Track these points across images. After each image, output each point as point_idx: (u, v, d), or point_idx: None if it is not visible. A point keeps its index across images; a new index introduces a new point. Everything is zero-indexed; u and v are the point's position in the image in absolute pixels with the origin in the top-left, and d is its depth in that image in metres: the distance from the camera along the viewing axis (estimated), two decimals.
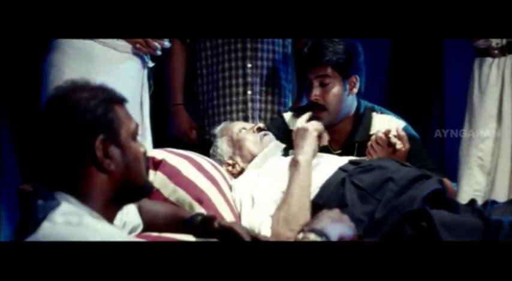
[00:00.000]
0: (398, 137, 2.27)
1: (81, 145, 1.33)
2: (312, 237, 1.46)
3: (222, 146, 2.43)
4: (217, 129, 2.53)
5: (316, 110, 2.48)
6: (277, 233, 1.96)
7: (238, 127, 2.46)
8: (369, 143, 2.33)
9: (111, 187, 1.36)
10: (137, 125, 1.44)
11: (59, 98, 1.37)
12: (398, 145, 2.25)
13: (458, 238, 1.78)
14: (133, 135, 1.42)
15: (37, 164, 1.37)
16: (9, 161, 2.99)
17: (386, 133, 2.26)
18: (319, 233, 1.47)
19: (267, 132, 2.47)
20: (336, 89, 2.48)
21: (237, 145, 2.40)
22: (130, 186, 1.39)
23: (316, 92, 2.47)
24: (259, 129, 2.44)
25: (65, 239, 1.24)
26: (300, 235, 1.49)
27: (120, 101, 1.41)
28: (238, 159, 2.38)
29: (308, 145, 2.19)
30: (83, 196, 1.33)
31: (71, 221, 1.28)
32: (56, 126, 1.33)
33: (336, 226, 1.52)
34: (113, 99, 1.39)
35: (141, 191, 1.44)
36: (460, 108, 2.73)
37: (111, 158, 1.35)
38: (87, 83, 1.40)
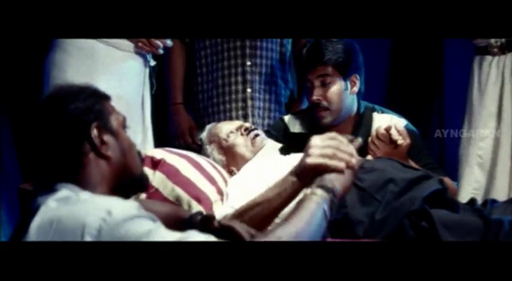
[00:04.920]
0: (399, 132, 2.27)
1: (78, 133, 1.36)
2: (319, 192, 1.45)
3: (213, 154, 2.41)
4: (203, 135, 2.51)
5: (319, 110, 2.49)
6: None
7: (225, 132, 2.42)
8: (370, 139, 2.32)
9: (111, 174, 1.39)
10: (125, 118, 1.47)
11: (50, 96, 1.42)
12: (400, 140, 2.25)
13: (458, 237, 1.78)
14: (123, 125, 1.46)
15: (36, 161, 1.40)
16: (9, 161, 2.99)
17: (388, 129, 2.27)
18: (327, 189, 1.46)
19: (258, 132, 2.45)
20: (337, 88, 2.48)
21: (229, 153, 2.38)
22: (129, 174, 1.42)
23: (317, 92, 2.48)
24: (247, 130, 2.43)
25: (65, 219, 1.25)
26: (308, 190, 1.47)
27: (105, 97, 1.46)
28: (233, 168, 2.36)
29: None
30: (85, 185, 1.35)
31: (69, 201, 1.30)
32: (51, 120, 1.37)
33: (341, 179, 1.51)
34: (98, 94, 1.45)
35: (139, 180, 1.47)
36: (460, 108, 2.73)
37: (107, 144, 1.39)
38: (71, 84, 1.46)
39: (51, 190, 1.34)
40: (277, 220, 1.59)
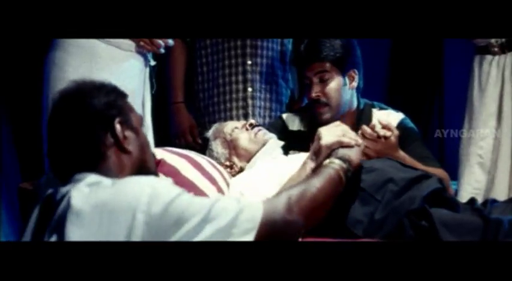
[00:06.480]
0: (383, 126, 2.26)
1: (102, 127, 1.40)
2: (336, 161, 1.65)
3: (217, 148, 2.43)
4: (210, 133, 2.52)
5: (318, 106, 2.50)
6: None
7: (230, 127, 2.45)
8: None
9: (130, 168, 1.42)
10: (141, 117, 1.53)
11: (72, 91, 1.44)
12: (388, 133, 2.23)
13: (458, 237, 1.78)
14: (141, 123, 1.51)
15: (60, 153, 1.41)
16: (9, 161, 2.99)
17: (372, 127, 2.25)
18: (344, 159, 1.67)
19: (261, 127, 2.47)
20: (335, 84, 2.50)
21: (231, 145, 2.40)
22: (146, 169, 1.46)
23: (316, 89, 2.50)
24: (252, 126, 2.44)
25: (111, 201, 1.26)
26: (327, 161, 1.67)
27: (124, 94, 1.50)
28: (235, 159, 2.38)
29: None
30: (105, 176, 1.37)
31: (103, 184, 1.32)
32: (76, 113, 1.39)
33: (353, 153, 1.75)
34: (118, 91, 1.49)
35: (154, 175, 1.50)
36: (460, 108, 2.73)
37: (128, 139, 1.43)
38: (91, 80, 1.49)
39: (71, 180, 1.35)
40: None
